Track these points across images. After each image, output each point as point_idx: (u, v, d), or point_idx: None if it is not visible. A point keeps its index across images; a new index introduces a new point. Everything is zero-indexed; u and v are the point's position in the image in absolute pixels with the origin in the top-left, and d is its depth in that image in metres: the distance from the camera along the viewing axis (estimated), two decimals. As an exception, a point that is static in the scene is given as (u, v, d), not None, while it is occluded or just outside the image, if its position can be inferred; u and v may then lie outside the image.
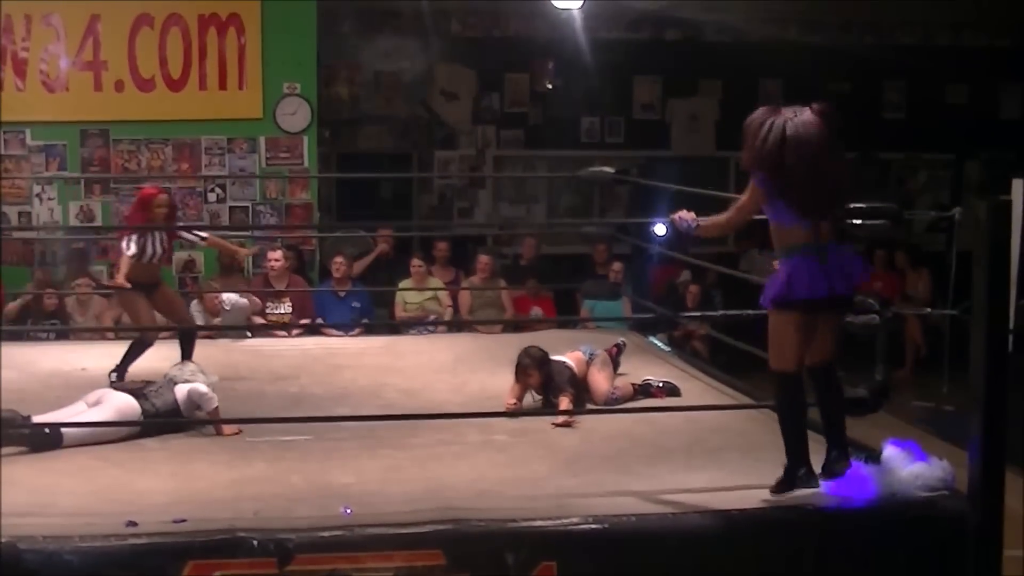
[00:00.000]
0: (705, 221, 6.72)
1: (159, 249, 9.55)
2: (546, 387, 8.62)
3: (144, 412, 7.87)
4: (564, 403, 8.40)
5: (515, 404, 8.55)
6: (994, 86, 17.12)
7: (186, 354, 9.43)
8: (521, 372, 8.62)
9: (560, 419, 8.19)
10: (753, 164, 6.25)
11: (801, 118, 6.13)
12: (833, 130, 6.18)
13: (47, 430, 7.46)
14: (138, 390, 8.11)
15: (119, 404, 7.86)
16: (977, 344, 6.26)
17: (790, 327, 6.17)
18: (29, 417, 7.55)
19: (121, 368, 9.43)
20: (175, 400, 8.01)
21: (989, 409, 6.23)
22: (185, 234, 10.50)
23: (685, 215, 6.75)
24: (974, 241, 6.29)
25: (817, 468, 6.39)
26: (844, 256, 6.21)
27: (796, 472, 6.32)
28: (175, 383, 8.11)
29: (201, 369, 8.42)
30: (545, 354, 8.68)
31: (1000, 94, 17.24)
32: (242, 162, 13.91)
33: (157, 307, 9.73)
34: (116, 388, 8.50)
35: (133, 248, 9.35)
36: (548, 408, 8.50)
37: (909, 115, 17.08)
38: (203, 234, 10.47)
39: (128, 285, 9.29)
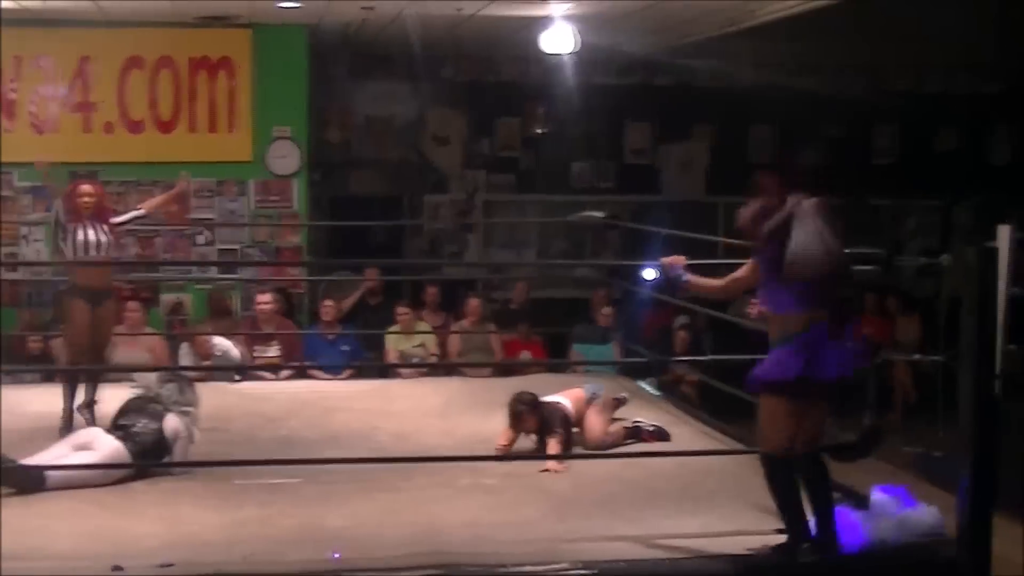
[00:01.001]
0: (697, 280, 6.74)
1: (97, 239, 9.49)
2: (542, 430, 8.59)
3: (131, 454, 7.85)
4: (552, 446, 8.39)
5: (506, 446, 8.54)
6: (984, 131, 17.18)
7: (88, 392, 9.40)
8: (516, 419, 8.60)
9: (549, 464, 8.17)
10: (754, 238, 6.24)
11: (806, 213, 6.10)
12: (834, 220, 6.17)
13: (29, 471, 7.42)
14: (123, 428, 8.03)
15: (107, 451, 7.82)
16: (965, 389, 6.27)
17: (780, 409, 6.15)
18: (14, 460, 7.52)
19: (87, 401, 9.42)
20: (161, 432, 7.98)
21: (978, 454, 6.23)
22: (124, 217, 10.15)
23: (676, 261, 6.76)
24: (962, 287, 6.30)
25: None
26: (842, 346, 6.19)
27: (798, 546, 6.30)
28: (162, 412, 8.07)
29: (179, 388, 8.41)
30: (536, 397, 8.67)
31: (990, 139, 17.30)
32: (232, 205, 13.91)
33: (95, 322, 9.55)
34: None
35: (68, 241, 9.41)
36: (542, 450, 8.47)
37: (899, 160, 17.13)
38: (140, 208, 10.39)
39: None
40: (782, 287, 6.14)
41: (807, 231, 6.07)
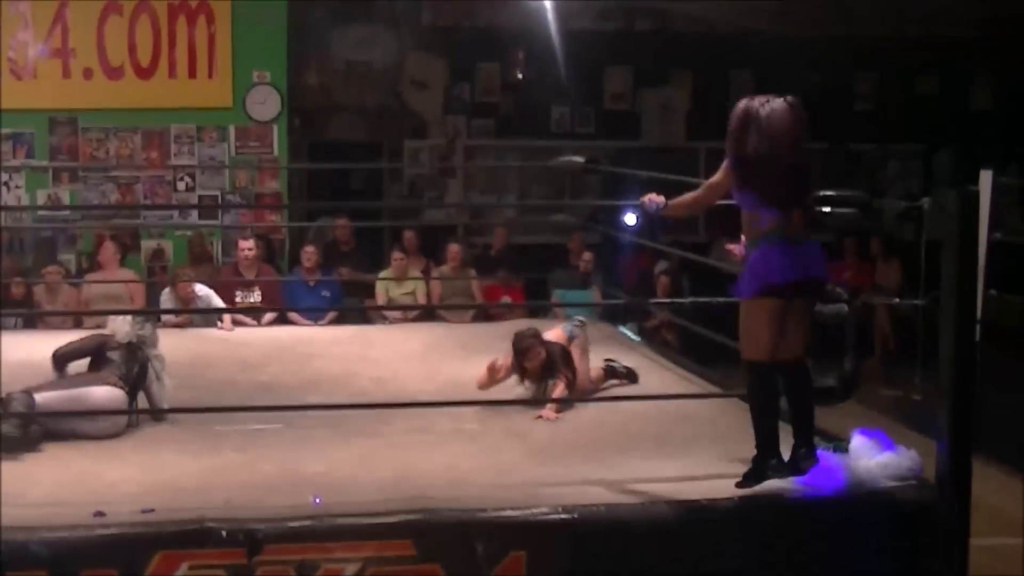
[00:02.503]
0: (673, 202, 6.73)
1: None
2: (546, 369, 8.43)
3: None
4: (559, 389, 8.30)
5: (493, 378, 8.43)
6: (965, 78, 17.16)
7: None
8: (523, 354, 8.39)
9: (546, 412, 8.10)
10: (727, 150, 6.25)
11: (772, 107, 6.12)
12: (802, 122, 6.17)
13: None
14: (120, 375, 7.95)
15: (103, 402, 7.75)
16: (946, 334, 6.28)
17: (763, 315, 6.15)
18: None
19: None
20: (149, 377, 7.96)
21: (957, 398, 6.26)
22: None
23: (655, 197, 6.76)
24: (943, 231, 6.31)
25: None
26: (813, 246, 6.21)
27: (767, 463, 6.32)
28: (146, 357, 8.03)
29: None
30: (540, 332, 8.59)
31: (971, 85, 17.28)
32: (211, 151, 13.88)
33: None
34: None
35: None
36: (541, 392, 8.40)
37: (880, 106, 17.11)
38: None
39: None
40: (755, 186, 6.14)
41: (774, 126, 6.07)
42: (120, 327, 8.11)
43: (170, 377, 8.32)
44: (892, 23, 16.45)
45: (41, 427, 7.33)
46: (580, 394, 8.63)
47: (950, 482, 6.27)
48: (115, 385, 7.72)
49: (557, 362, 8.44)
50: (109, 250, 12.67)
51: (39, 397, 7.35)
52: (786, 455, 6.39)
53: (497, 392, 8.48)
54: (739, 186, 6.23)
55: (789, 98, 6.20)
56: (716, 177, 6.45)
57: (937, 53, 16.60)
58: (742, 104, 6.25)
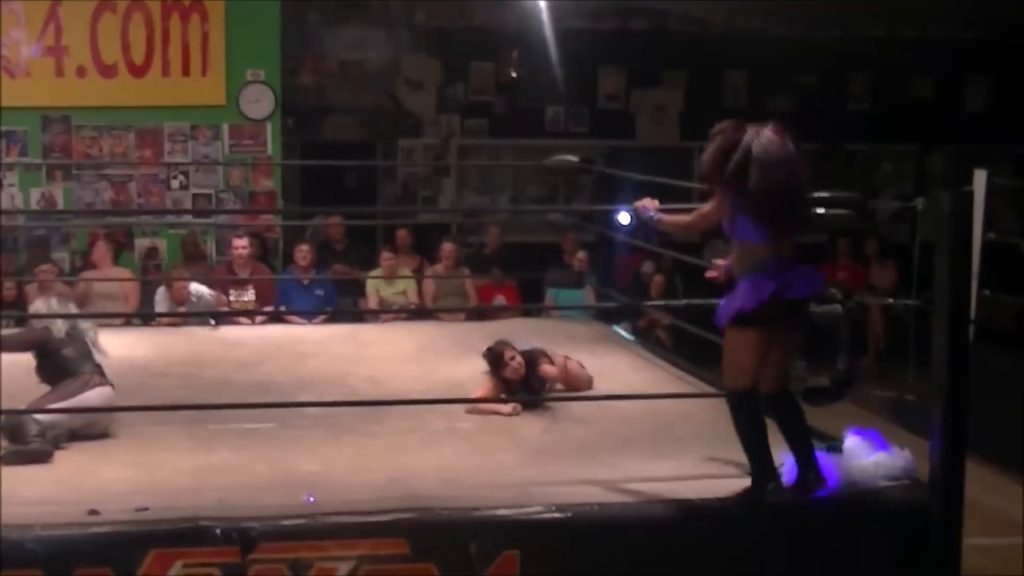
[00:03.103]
0: (668, 217, 6.72)
1: None
2: (528, 376, 8.44)
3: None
4: (551, 371, 8.32)
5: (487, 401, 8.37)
6: (959, 79, 17.18)
7: None
8: (500, 366, 8.39)
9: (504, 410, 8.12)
10: (718, 181, 6.20)
11: (766, 138, 6.04)
12: (795, 147, 6.13)
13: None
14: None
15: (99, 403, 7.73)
16: (939, 334, 6.29)
17: (747, 342, 6.11)
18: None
19: None
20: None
21: (951, 398, 6.26)
22: None
23: (649, 204, 6.75)
24: (937, 232, 6.32)
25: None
26: (804, 269, 6.17)
27: (765, 487, 6.31)
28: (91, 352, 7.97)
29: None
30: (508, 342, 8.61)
31: (965, 87, 17.30)
32: (205, 149, 13.87)
33: None
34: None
35: None
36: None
37: (874, 107, 17.13)
38: None
39: None
40: (749, 218, 6.08)
41: (772, 158, 6.04)
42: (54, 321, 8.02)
43: (161, 376, 8.31)
44: (886, 24, 16.47)
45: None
46: (576, 389, 8.66)
47: (943, 482, 6.28)
48: (101, 384, 7.71)
49: (538, 358, 8.46)
50: (101, 249, 12.70)
51: (45, 419, 7.30)
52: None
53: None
54: (733, 216, 6.16)
55: (772, 125, 6.14)
56: (709, 207, 6.38)
57: (931, 54, 16.62)
58: (729, 134, 6.14)
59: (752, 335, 6.11)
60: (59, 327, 7.83)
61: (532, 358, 8.48)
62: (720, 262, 6.73)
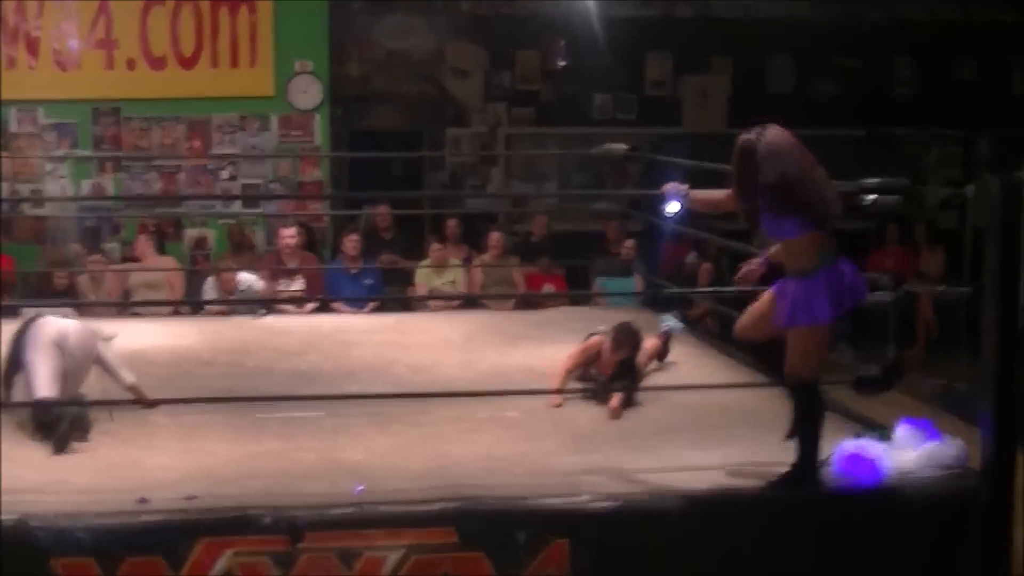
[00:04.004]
0: (698, 193, 6.75)
1: None
2: (622, 369, 8.33)
3: None
4: (615, 402, 8.12)
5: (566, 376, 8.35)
6: (1005, 62, 17.04)
7: None
8: (633, 345, 8.33)
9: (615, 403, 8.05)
10: (745, 194, 6.25)
11: (769, 136, 6.16)
12: (797, 139, 6.20)
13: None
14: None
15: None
16: (989, 322, 6.25)
17: (818, 339, 6.21)
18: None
19: None
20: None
21: (1001, 387, 6.22)
22: None
23: (678, 185, 6.82)
24: (986, 218, 6.27)
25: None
26: (849, 267, 6.24)
27: (811, 475, 6.32)
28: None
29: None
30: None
31: (1011, 70, 17.17)
32: (254, 140, 13.92)
33: None
34: None
35: None
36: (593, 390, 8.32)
37: (920, 91, 17.01)
38: None
39: None
40: (778, 213, 6.15)
41: (773, 151, 6.09)
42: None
43: (208, 364, 8.33)
44: (930, 7, 16.36)
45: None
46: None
47: (994, 471, 6.24)
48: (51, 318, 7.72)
49: (629, 373, 8.33)
50: (143, 243, 12.78)
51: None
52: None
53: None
54: (775, 218, 6.21)
55: (773, 125, 6.22)
56: (733, 195, 6.47)
57: (977, 37, 16.50)
58: (738, 152, 6.28)
59: (823, 333, 6.22)
60: None
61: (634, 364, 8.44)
62: (755, 260, 6.79)
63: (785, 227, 6.17)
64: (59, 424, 7.05)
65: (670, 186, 6.88)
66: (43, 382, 7.34)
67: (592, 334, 8.53)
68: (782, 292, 6.30)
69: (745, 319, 6.65)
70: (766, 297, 6.46)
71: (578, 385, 8.40)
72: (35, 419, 7.23)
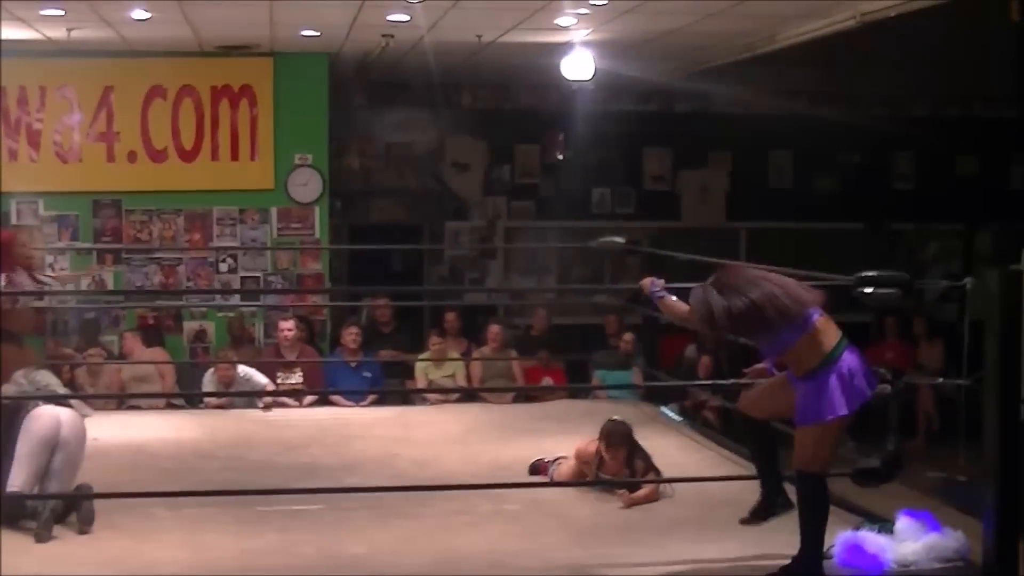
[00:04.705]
0: (670, 300, 6.79)
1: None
2: (631, 460, 8.27)
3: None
4: (643, 494, 8.10)
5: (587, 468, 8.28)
6: (1004, 157, 17.17)
7: None
8: (609, 442, 8.22)
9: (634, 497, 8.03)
10: (721, 333, 6.40)
11: (713, 278, 6.33)
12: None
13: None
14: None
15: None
16: (990, 414, 6.24)
17: (831, 434, 6.23)
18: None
19: None
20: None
21: (1003, 479, 6.21)
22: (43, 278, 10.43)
23: (657, 281, 6.85)
24: (985, 311, 6.29)
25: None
26: (857, 359, 6.25)
27: (813, 568, 6.30)
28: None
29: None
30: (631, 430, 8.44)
31: (1010, 165, 17.29)
32: (254, 232, 13.96)
33: None
34: None
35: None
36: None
37: (919, 186, 17.12)
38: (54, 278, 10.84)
39: None
40: (763, 336, 6.35)
41: (719, 286, 6.25)
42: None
43: (209, 458, 8.32)
44: (930, 103, 16.49)
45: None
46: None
47: (997, 563, 6.21)
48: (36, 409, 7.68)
49: (640, 462, 8.28)
50: (130, 340, 12.86)
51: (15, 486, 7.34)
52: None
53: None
54: (762, 336, 6.39)
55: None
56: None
57: (975, 133, 16.62)
58: (697, 293, 6.38)
59: (833, 429, 6.22)
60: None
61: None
62: (759, 366, 6.88)
63: (778, 342, 6.26)
64: (39, 516, 7.04)
65: (648, 280, 6.92)
66: (16, 478, 7.32)
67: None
68: (794, 386, 6.33)
69: (752, 394, 6.69)
70: (778, 379, 6.49)
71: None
72: (8, 514, 7.17)
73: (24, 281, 9.65)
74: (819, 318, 6.20)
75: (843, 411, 6.15)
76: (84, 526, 7.17)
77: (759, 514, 6.72)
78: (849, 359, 6.19)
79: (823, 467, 6.30)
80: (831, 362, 6.17)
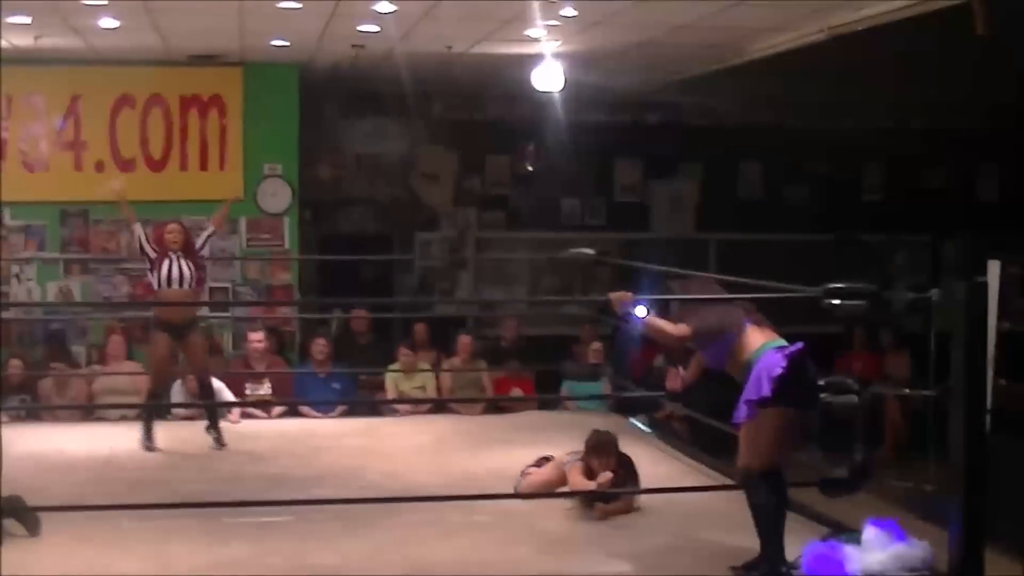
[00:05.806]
0: (656, 320, 6.82)
1: (181, 273, 10.41)
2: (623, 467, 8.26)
3: None
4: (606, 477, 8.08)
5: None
6: (971, 168, 17.25)
7: (211, 419, 10.23)
8: (599, 452, 8.19)
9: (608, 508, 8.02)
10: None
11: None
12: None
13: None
14: None
15: None
16: (956, 424, 6.26)
17: (776, 422, 6.24)
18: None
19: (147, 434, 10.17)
20: None
21: (969, 489, 6.22)
22: (201, 240, 11.14)
23: (623, 297, 6.84)
24: (951, 322, 6.31)
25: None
26: (786, 356, 6.36)
27: (779, 571, 6.31)
28: None
29: None
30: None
31: (977, 176, 17.37)
32: (223, 243, 13.90)
33: (185, 353, 10.70)
34: None
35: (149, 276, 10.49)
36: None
37: (887, 197, 17.19)
38: (209, 226, 11.46)
39: None
40: (712, 341, 6.72)
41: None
42: None
43: (177, 468, 8.30)
44: (898, 115, 16.55)
45: None
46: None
47: (962, 573, 6.23)
48: None
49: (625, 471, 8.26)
50: (116, 343, 12.78)
51: None
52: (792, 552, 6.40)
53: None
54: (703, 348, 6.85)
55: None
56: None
57: (944, 145, 16.69)
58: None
59: (780, 413, 6.33)
60: None
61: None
62: (679, 372, 7.06)
63: (711, 356, 6.70)
64: None
65: (618, 295, 6.92)
66: None
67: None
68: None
69: (742, 451, 6.65)
70: (748, 426, 6.52)
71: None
72: None
73: (176, 268, 10.49)
74: (750, 325, 6.49)
75: (766, 392, 6.27)
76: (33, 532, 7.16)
77: (751, 568, 6.63)
78: (773, 356, 6.35)
79: (764, 464, 6.34)
80: (759, 356, 6.39)
